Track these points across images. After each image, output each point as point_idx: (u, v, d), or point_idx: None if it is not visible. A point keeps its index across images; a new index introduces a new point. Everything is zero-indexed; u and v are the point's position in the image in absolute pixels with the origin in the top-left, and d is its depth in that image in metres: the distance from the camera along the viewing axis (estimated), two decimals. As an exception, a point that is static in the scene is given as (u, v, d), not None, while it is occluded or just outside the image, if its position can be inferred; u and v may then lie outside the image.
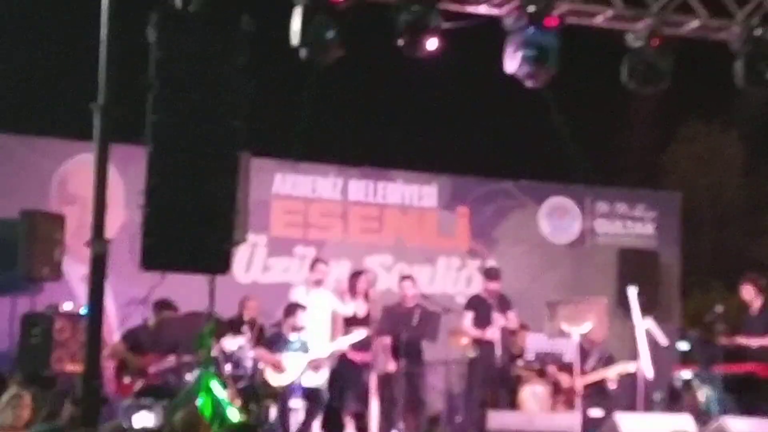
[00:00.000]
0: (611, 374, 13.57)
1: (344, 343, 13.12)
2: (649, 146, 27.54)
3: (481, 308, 13.58)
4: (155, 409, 11.41)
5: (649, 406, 13.75)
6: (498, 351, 13.37)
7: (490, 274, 13.85)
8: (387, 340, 13.08)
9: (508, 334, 13.58)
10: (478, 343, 13.44)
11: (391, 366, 13.03)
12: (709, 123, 29.48)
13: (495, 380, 13.44)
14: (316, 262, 13.72)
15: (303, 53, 11.41)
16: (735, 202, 30.04)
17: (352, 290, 13.41)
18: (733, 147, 29.57)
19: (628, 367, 13.71)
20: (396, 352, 13.05)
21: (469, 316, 13.59)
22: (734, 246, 28.62)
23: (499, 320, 13.43)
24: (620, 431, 11.07)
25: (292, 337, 12.68)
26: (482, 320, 13.49)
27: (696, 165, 29.59)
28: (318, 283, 13.41)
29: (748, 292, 13.95)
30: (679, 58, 12.41)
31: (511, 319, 13.63)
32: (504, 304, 13.63)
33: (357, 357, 13.18)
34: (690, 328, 16.11)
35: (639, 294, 13.98)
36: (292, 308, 12.86)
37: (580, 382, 13.27)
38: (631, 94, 13.11)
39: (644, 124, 23.81)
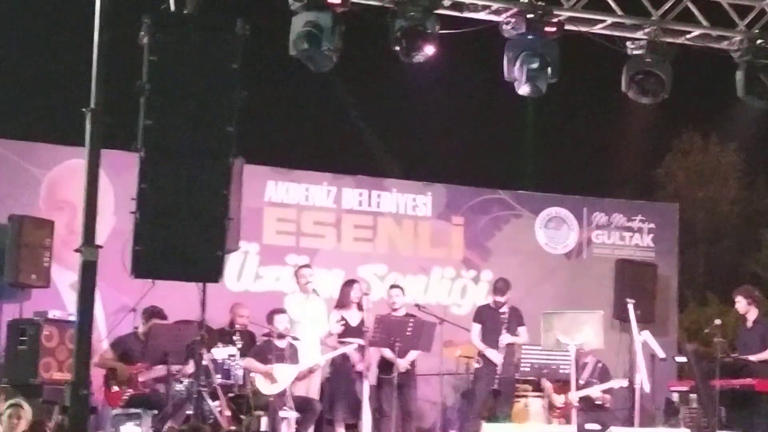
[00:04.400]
0: (594, 393, 13.51)
1: (336, 352, 13.07)
2: (646, 158, 27.55)
3: (489, 320, 13.52)
4: (144, 419, 11.36)
5: (647, 421, 13.70)
6: (500, 368, 13.34)
7: (497, 288, 13.79)
8: (384, 351, 13.01)
9: (515, 349, 13.54)
10: (481, 356, 13.40)
11: (403, 365, 12.96)
12: (706, 135, 29.52)
13: (495, 393, 13.40)
14: (298, 269, 13.65)
15: (299, 57, 11.36)
16: (730, 215, 30.07)
17: (345, 299, 13.34)
18: (729, 160, 29.60)
19: (614, 383, 13.71)
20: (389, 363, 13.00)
21: (477, 328, 13.55)
22: (729, 259, 28.65)
23: (506, 338, 13.40)
24: (617, 445, 11.01)
25: (282, 344, 12.60)
26: (489, 332, 13.45)
27: (692, 177, 29.62)
28: (306, 289, 13.33)
29: (740, 303, 14.01)
30: (676, 69, 12.41)
31: (522, 335, 13.61)
32: (517, 318, 13.58)
33: (349, 366, 13.11)
34: (687, 341, 16.11)
35: (636, 306, 13.96)
36: (271, 314, 12.81)
37: (576, 396, 13.23)
38: (627, 105, 13.06)
39: (641, 136, 23.77)
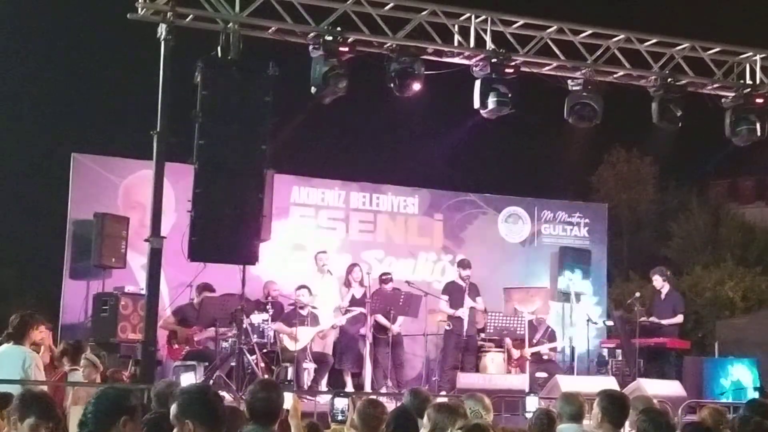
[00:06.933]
0: (543, 350, 13.54)
1: (347, 316, 13.07)
2: (583, 168, 27.51)
3: (454, 292, 13.53)
4: (198, 369, 11.37)
5: (583, 370, 13.71)
6: (466, 326, 13.32)
7: (463, 264, 13.79)
8: (378, 318, 12.98)
9: (476, 313, 13.51)
10: (451, 319, 13.39)
11: (396, 330, 12.95)
12: (629, 151, 29.50)
13: (463, 348, 13.39)
14: (317, 254, 13.62)
15: (317, 93, 11.32)
16: (648, 212, 30.03)
17: (348, 278, 13.33)
18: (647, 170, 29.58)
19: (558, 344, 13.72)
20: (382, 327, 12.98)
21: (445, 298, 13.53)
22: (647, 246, 28.60)
23: (468, 302, 13.39)
24: (560, 389, 10.97)
25: (304, 312, 12.59)
26: (455, 301, 13.43)
27: (618, 183, 29.56)
28: (323, 270, 13.31)
29: (656, 281, 14.04)
30: (606, 100, 12.38)
31: (479, 303, 13.58)
32: (474, 290, 13.57)
33: (354, 329, 13.10)
34: (614, 309, 16.09)
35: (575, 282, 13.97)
36: (296, 289, 12.81)
37: (528, 351, 13.22)
38: (569, 128, 13.03)
39: (579, 151, 23.73)
